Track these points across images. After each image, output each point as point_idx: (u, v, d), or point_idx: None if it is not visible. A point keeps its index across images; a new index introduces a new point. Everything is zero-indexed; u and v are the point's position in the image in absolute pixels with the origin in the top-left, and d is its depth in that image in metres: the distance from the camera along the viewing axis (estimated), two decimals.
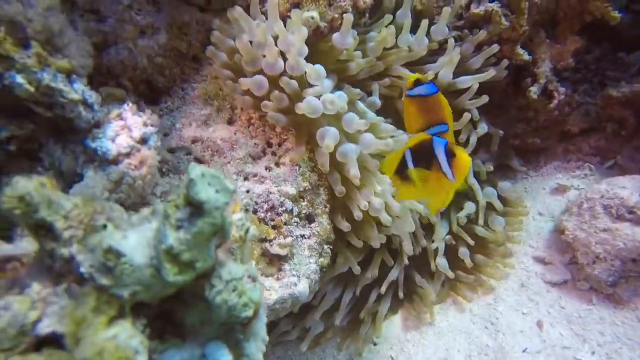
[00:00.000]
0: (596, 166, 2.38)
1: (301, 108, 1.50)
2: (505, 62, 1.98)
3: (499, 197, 2.00)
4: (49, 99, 1.06)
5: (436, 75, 1.85)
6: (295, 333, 1.84)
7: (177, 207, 0.63)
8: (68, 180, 1.18)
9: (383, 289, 1.84)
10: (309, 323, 1.84)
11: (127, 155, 1.15)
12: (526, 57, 2.06)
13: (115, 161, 1.14)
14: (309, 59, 1.73)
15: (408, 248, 1.77)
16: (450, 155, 1.31)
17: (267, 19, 1.62)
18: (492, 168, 2.03)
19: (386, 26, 1.74)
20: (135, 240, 0.65)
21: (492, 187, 1.99)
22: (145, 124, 1.21)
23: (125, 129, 1.17)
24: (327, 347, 1.94)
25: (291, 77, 1.55)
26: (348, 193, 1.61)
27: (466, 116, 1.85)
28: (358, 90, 1.77)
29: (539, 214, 2.12)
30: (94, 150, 1.14)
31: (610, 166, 2.38)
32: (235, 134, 1.61)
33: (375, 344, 1.93)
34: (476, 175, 2.00)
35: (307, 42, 1.72)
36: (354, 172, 1.50)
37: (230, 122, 1.66)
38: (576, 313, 1.76)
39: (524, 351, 1.67)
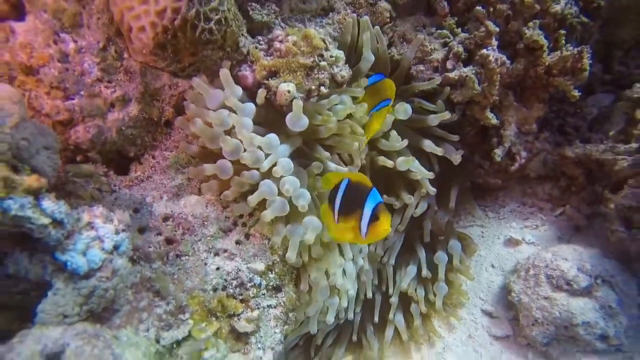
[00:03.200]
0: (547, 213, 2.57)
1: (255, 198, 1.54)
2: (459, 154, 2.11)
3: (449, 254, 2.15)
4: (17, 227, 1.05)
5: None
6: None
7: None
8: (35, 287, 1.19)
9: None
10: None
11: (99, 269, 1.16)
12: (494, 121, 2.14)
13: (87, 276, 1.16)
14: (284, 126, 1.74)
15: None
16: (374, 218, 1.35)
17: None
18: (442, 237, 2.15)
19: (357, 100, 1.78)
20: None
21: (444, 253, 2.12)
22: (116, 231, 1.21)
23: (97, 241, 1.17)
24: None
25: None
26: (304, 264, 1.69)
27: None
28: (328, 154, 1.82)
29: (491, 266, 2.29)
30: (63, 263, 1.14)
31: (560, 214, 2.56)
32: (207, 206, 1.63)
33: None
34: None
35: (281, 110, 1.73)
36: (289, 255, 1.57)
37: (201, 191, 1.67)
38: None
39: None
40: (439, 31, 2.28)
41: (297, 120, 1.61)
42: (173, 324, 1.36)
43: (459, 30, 2.26)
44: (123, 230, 1.24)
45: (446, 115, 1.97)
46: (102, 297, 1.19)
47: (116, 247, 1.22)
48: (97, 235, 1.18)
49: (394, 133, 1.91)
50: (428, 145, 2.00)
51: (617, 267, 1.94)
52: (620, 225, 1.95)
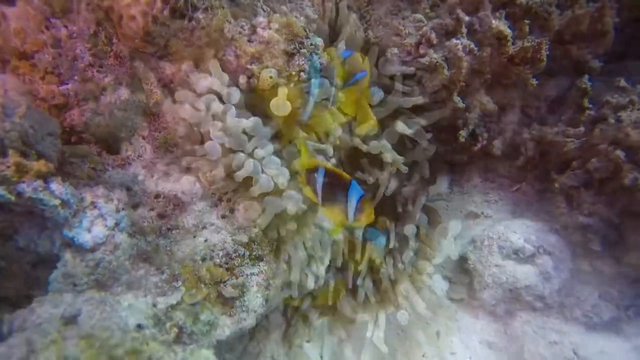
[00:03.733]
0: (505, 188, 2.83)
1: (241, 174, 1.70)
2: (426, 138, 2.28)
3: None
4: (30, 207, 1.17)
5: None
6: None
7: None
8: (43, 259, 1.32)
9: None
10: None
11: (103, 243, 1.30)
12: (461, 105, 2.32)
13: (92, 250, 1.29)
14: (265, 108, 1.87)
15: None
16: (359, 210, 1.60)
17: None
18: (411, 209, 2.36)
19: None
20: None
21: (413, 225, 2.34)
22: (117, 210, 1.35)
23: (100, 218, 1.30)
24: (268, 344, 2.31)
25: None
26: (283, 236, 1.88)
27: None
28: (305, 134, 1.97)
29: (453, 238, 2.54)
30: (71, 238, 1.28)
31: (516, 190, 2.83)
32: (195, 184, 1.76)
33: (308, 341, 2.33)
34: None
35: (263, 94, 1.85)
36: (260, 222, 1.77)
37: (189, 169, 1.80)
38: (465, 326, 2.27)
39: (423, 356, 2.16)
40: (413, 15, 2.40)
41: (281, 106, 1.74)
42: (167, 291, 1.52)
43: (433, 14, 2.39)
44: (122, 209, 1.37)
45: (419, 100, 2.13)
46: (106, 268, 1.33)
47: (117, 224, 1.35)
48: (100, 214, 1.31)
49: None
50: (401, 127, 2.16)
51: (557, 238, 2.22)
52: (563, 202, 2.21)
